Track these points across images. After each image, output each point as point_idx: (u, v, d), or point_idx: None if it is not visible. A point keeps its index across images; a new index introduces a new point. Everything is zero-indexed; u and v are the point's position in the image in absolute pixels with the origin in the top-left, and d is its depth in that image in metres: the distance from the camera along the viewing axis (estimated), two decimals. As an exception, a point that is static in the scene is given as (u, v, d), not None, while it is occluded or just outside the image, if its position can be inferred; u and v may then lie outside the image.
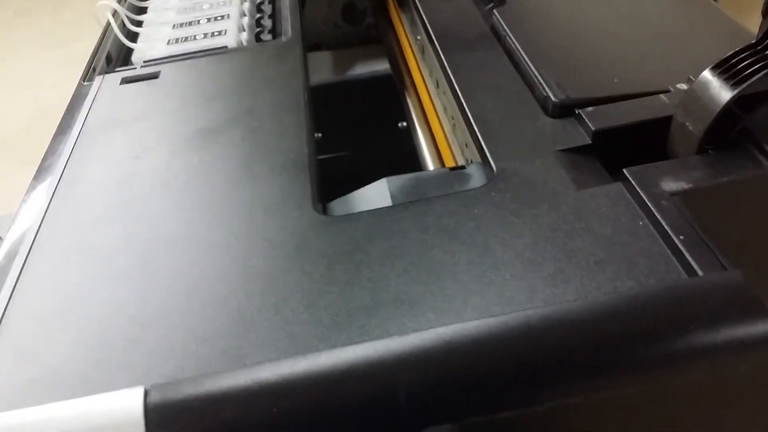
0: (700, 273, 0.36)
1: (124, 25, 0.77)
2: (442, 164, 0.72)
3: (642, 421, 0.35)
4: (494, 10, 0.63)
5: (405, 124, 1.09)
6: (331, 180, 0.52)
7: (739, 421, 0.36)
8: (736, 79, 0.42)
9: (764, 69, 0.41)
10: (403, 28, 0.93)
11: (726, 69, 0.42)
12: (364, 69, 1.10)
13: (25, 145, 2.01)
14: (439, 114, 0.76)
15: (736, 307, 0.33)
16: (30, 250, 0.45)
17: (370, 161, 1.06)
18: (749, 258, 0.36)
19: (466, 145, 0.66)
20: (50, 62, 2.52)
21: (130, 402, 0.33)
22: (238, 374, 0.33)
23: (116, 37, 0.74)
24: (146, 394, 0.33)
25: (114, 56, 0.74)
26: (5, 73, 2.48)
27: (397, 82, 0.95)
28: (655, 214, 0.39)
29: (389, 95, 1.02)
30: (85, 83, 0.66)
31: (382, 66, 1.07)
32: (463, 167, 0.51)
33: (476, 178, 0.49)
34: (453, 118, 0.71)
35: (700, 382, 0.34)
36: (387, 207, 0.46)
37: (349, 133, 1.05)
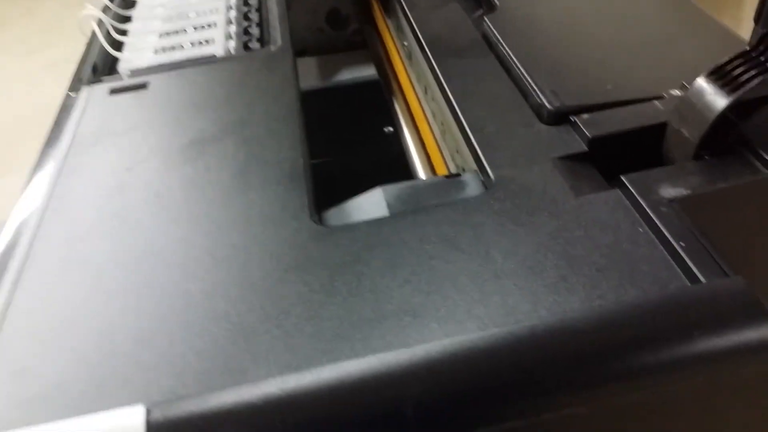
0: (702, 279, 0.36)
1: (109, 34, 0.76)
2: (433, 170, 0.72)
3: (647, 427, 0.35)
4: (485, 17, 0.63)
5: (391, 129, 1.09)
6: (319, 186, 0.52)
7: (743, 425, 0.36)
8: (731, 86, 0.42)
9: (759, 75, 0.41)
10: (390, 33, 0.93)
11: (721, 76, 0.43)
12: (350, 74, 1.10)
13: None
14: (429, 119, 0.76)
15: (740, 312, 0.33)
16: (24, 265, 0.44)
17: (357, 166, 1.06)
18: (750, 263, 0.37)
19: (457, 152, 0.66)
20: (24, 70, 2.49)
21: (131, 421, 0.32)
22: (242, 390, 0.33)
23: (102, 46, 0.74)
24: (148, 412, 0.32)
25: (100, 66, 0.73)
26: (-22, 81, 2.45)
27: (384, 87, 0.95)
28: (655, 220, 0.40)
29: (375, 100, 1.02)
30: (72, 95, 0.65)
31: (367, 71, 1.07)
32: (458, 175, 0.50)
33: (472, 186, 0.49)
34: (443, 124, 0.71)
35: (705, 387, 0.34)
36: (385, 217, 0.45)
37: (335, 139, 1.05)
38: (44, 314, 0.41)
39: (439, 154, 0.69)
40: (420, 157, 0.77)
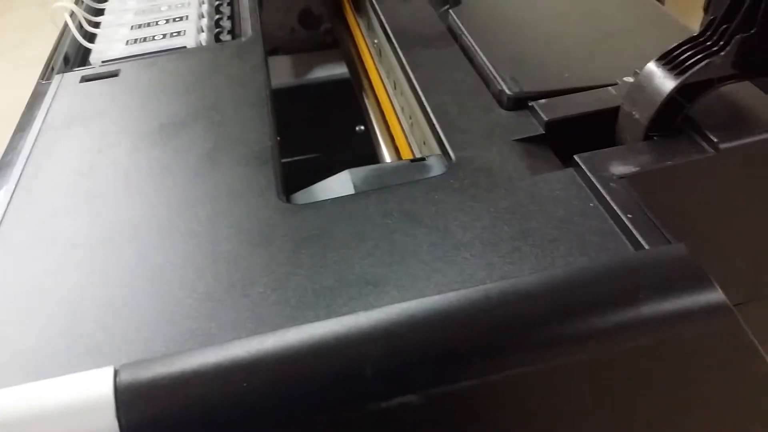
0: (646, 247, 0.38)
1: (81, 26, 0.77)
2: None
3: (593, 389, 0.37)
4: (450, 11, 0.65)
5: (363, 128, 1.10)
6: (291, 183, 0.53)
7: (686, 387, 0.38)
8: (678, 70, 0.44)
9: (705, 59, 0.43)
10: (361, 32, 0.94)
11: (669, 60, 0.45)
12: (322, 73, 1.11)
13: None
14: (398, 114, 0.78)
15: (682, 276, 0.35)
16: (-7, 241, 0.45)
17: (329, 164, 1.07)
18: (692, 234, 0.39)
19: (424, 143, 0.67)
20: (1, 67, 2.47)
21: (99, 382, 0.33)
22: (208, 351, 0.34)
23: (74, 37, 0.74)
24: (116, 373, 0.33)
25: (72, 57, 0.74)
26: (-48, 79, 2.42)
27: (355, 84, 0.96)
28: (605, 195, 0.42)
29: (347, 99, 1.03)
30: (44, 82, 0.65)
31: (339, 70, 1.09)
32: (423, 159, 0.52)
33: (435, 168, 0.51)
34: (411, 117, 0.73)
35: (650, 348, 0.36)
36: (350, 195, 0.47)
37: (306, 137, 1.06)
38: (13, 286, 0.42)
39: (407, 147, 0.71)
40: (389, 151, 0.79)
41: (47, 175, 0.51)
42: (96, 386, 0.33)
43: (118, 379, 0.33)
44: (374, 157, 0.85)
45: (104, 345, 0.37)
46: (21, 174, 0.51)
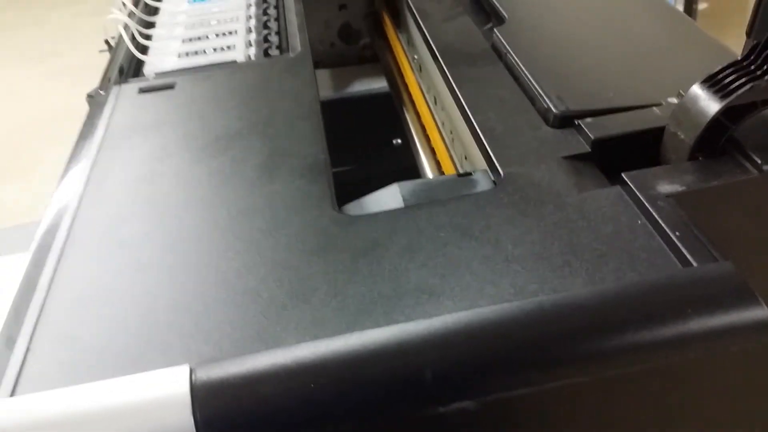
0: (694, 265, 0.39)
1: (134, 38, 0.80)
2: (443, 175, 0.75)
3: (642, 400, 0.39)
4: (495, 29, 0.67)
5: (399, 140, 1.12)
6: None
7: (731, 399, 0.40)
8: (723, 93, 0.46)
9: (749, 83, 0.45)
10: (401, 47, 0.97)
11: (714, 83, 0.46)
12: (360, 87, 1.14)
13: (6, 159, 2.02)
14: (439, 128, 0.80)
15: (729, 293, 0.37)
16: (65, 244, 0.48)
17: (366, 177, 1.09)
18: (737, 251, 0.40)
19: (465, 158, 0.69)
20: (31, 76, 2.54)
21: (176, 379, 0.35)
22: (278, 353, 0.36)
23: (127, 49, 0.77)
24: (192, 371, 0.35)
25: (125, 68, 0.77)
26: (-16, 86, 2.49)
27: (395, 98, 0.98)
28: (653, 213, 0.43)
29: (384, 112, 1.06)
30: (102, 93, 0.68)
31: (377, 84, 1.11)
32: (470, 174, 0.54)
33: (482, 183, 0.53)
34: (452, 132, 0.75)
35: (698, 362, 0.37)
36: (403, 208, 0.49)
37: (343, 149, 1.08)
38: (86, 288, 0.44)
39: (449, 160, 0.73)
40: (430, 164, 0.81)
41: (112, 182, 0.54)
42: (173, 383, 0.35)
43: (194, 377, 0.35)
44: (412, 169, 0.87)
45: (175, 345, 0.39)
46: (87, 180, 0.54)
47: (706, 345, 0.37)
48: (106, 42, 1.33)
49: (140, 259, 0.46)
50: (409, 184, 0.53)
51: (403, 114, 0.94)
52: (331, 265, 0.43)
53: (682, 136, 0.47)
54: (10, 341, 0.42)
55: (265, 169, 0.53)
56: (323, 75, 1.15)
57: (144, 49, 0.79)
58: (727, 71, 0.46)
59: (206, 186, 0.52)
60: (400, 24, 1.01)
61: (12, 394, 0.38)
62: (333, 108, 1.14)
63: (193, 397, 0.34)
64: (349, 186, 0.55)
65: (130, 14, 0.86)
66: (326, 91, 1.14)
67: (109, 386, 0.36)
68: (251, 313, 0.41)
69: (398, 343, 0.36)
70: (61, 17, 2.96)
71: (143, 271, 0.45)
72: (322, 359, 0.35)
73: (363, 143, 1.12)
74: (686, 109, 0.47)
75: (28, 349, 0.41)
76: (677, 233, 0.41)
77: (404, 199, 0.52)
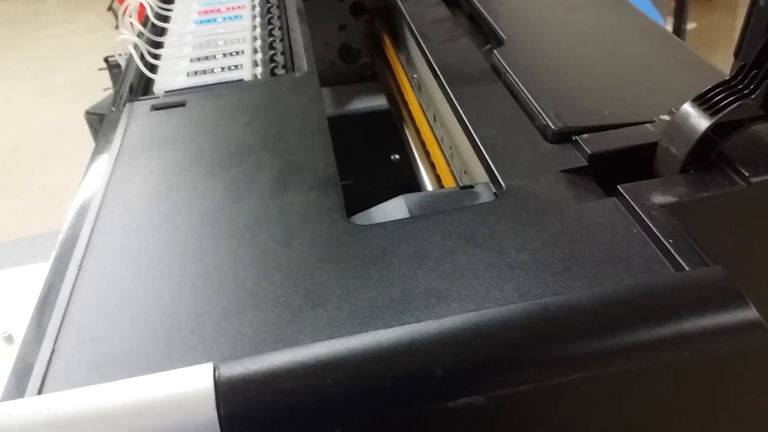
0: (687, 269, 0.42)
1: (143, 57, 0.83)
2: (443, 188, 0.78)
3: (639, 396, 0.41)
4: (494, 50, 0.70)
5: (397, 156, 1.15)
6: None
7: (721, 397, 0.42)
8: (713, 110, 0.48)
9: (737, 102, 0.48)
10: (401, 66, 1.00)
11: (704, 101, 0.49)
12: (359, 104, 1.17)
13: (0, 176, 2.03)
14: (439, 144, 0.82)
15: (720, 295, 0.39)
16: (85, 253, 0.50)
17: (364, 191, 1.12)
18: (727, 257, 0.43)
19: (465, 172, 0.72)
20: (25, 94, 2.56)
21: (201, 376, 0.37)
22: (297, 351, 0.38)
23: (137, 68, 0.80)
24: (215, 369, 0.37)
25: (135, 86, 0.80)
26: (-22, 104, 2.51)
27: (395, 115, 1.01)
28: (647, 222, 0.46)
29: (382, 129, 1.09)
30: (115, 110, 0.71)
31: (376, 101, 1.14)
32: (472, 186, 0.57)
33: (484, 195, 0.55)
34: (451, 148, 0.78)
35: (690, 361, 0.39)
36: (409, 218, 0.51)
37: (343, 165, 1.11)
38: (107, 293, 0.47)
39: (449, 174, 0.75)
40: (430, 177, 0.84)
41: (129, 195, 0.56)
42: (197, 380, 0.37)
43: (217, 374, 0.37)
44: (410, 184, 0.90)
45: (197, 346, 0.42)
46: (104, 193, 0.56)
47: (698, 344, 0.39)
48: (106, 60, 1.36)
49: (158, 267, 0.48)
50: (414, 196, 0.56)
51: (403, 130, 0.97)
52: (344, 271, 0.46)
53: (674, 151, 0.50)
54: (36, 343, 0.44)
55: (278, 182, 0.56)
56: (324, 93, 1.18)
57: (153, 68, 0.81)
58: (717, 90, 0.49)
59: (221, 199, 0.55)
60: (399, 44, 1.05)
61: (39, 392, 0.40)
62: (333, 124, 1.16)
63: (217, 392, 0.36)
64: (351, 200, 0.57)
65: (139, 34, 0.88)
66: (327, 108, 1.16)
67: (135, 383, 0.37)
68: (270, 317, 0.43)
69: (410, 341, 0.38)
70: (54, 35, 2.99)
71: (164, 278, 0.47)
72: (339, 356, 0.37)
73: (361, 159, 1.15)
74: (678, 126, 0.50)
75: (53, 351, 0.43)
76: (670, 240, 0.44)
77: (410, 210, 0.54)
